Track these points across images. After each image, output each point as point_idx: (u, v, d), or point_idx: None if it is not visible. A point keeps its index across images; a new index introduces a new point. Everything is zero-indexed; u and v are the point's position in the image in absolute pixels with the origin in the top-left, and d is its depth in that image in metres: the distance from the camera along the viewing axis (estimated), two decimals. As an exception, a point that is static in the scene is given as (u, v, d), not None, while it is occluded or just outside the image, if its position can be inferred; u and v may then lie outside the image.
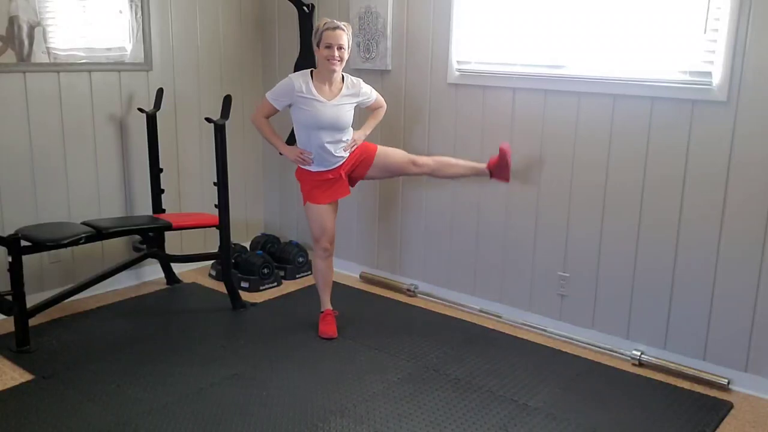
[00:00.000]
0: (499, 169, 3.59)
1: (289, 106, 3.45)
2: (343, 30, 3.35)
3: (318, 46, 3.38)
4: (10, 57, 3.63)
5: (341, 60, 3.36)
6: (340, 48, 3.33)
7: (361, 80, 3.56)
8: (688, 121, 3.17)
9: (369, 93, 3.60)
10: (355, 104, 3.53)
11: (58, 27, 3.80)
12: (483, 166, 3.65)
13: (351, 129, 3.53)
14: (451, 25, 3.86)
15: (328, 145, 3.42)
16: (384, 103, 3.69)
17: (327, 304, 3.72)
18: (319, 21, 3.43)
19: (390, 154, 3.65)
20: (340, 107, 3.42)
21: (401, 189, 4.27)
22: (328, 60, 3.33)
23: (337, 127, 3.42)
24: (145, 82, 4.24)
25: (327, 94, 3.41)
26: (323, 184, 3.51)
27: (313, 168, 3.49)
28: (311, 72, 3.45)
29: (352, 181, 3.65)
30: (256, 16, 4.82)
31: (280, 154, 3.65)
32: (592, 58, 3.42)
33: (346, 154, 3.52)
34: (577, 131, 3.52)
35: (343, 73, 3.48)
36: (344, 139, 3.48)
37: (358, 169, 3.61)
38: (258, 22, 4.84)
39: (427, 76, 4.03)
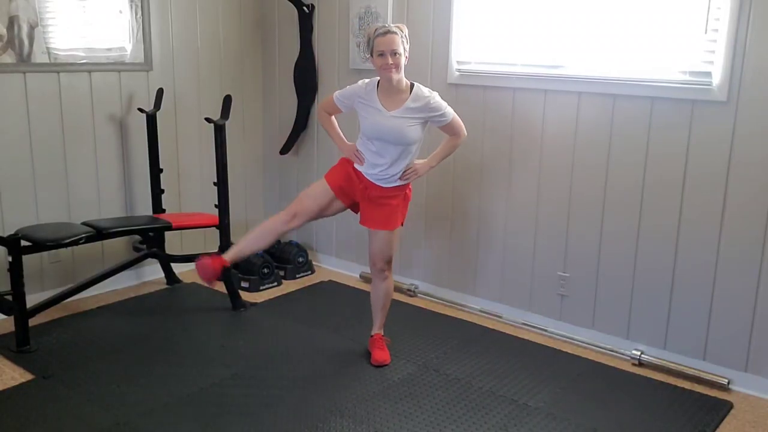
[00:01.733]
0: (371, 348, 3.41)
1: (353, 110, 3.20)
2: (395, 33, 2.98)
3: (372, 55, 3.04)
4: (10, 57, 3.63)
5: (397, 66, 2.98)
6: (394, 54, 2.95)
7: (435, 94, 3.08)
8: (688, 121, 3.17)
9: (442, 111, 3.08)
10: (421, 121, 3.06)
11: (58, 27, 3.80)
12: (375, 331, 3.45)
13: (415, 152, 3.14)
14: (451, 25, 3.86)
15: (375, 159, 3.09)
16: (463, 131, 3.19)
17: (230, 256, 3.24)
18: (370, 28, 3.09)
19: (388, 242, 3.22)
20: (400, 120, 3.01)
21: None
22: (383, 69, 2.98)
23: (393, 141, 3.04)
24: (145, 82, 4.24)
25: (389, 104, 3.04)
26: (354, 183, 3.19)
27: (360, 168, 3.17)
28: (378, 81, 3.10)
29: (355, 205, 3.29)
30: (256, 16, 4.82)
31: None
32: (592, 58, 3.43)
33: (392, 178, 3.12)
34: (577, 131, 3.52)
35: (415, 83, 3.08)
36: (402, 160, 3.09)
37: (372, 208, 3.19)
38: (258, 22, 4.84)
39: (427, 77, 4.03)
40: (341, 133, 3.30)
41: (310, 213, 3.21)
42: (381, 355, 3.35)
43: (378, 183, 3.14)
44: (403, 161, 3.09)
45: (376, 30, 3.02)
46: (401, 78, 3.03)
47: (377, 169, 3.11)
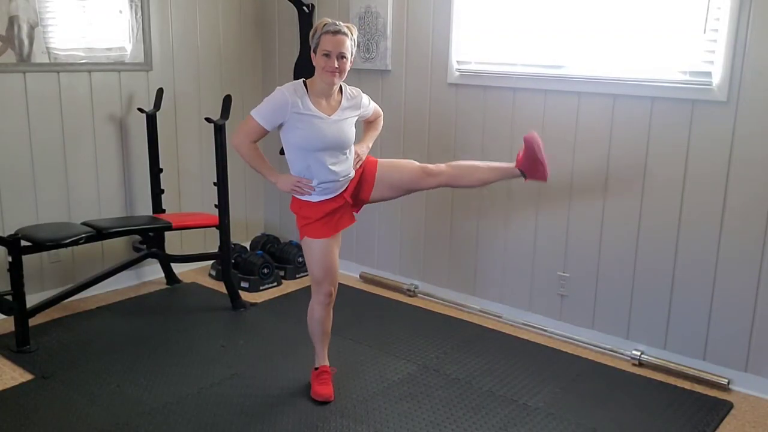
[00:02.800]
0: (531, 166, 2.95)
1: (280, 126, 2.81)
2: (346, 35, 2.71)
3: (314, 51, 2.74)
4: (10, 57, 3.63)
5: (341, 72, 2.72)
6: (341, 57, 2.69)
7: (359, 90, 2.96)
8: (688, 121, 3.17)
9: (368, 104, 2.99)
10: (357, 117, 2.92)
11: (58, 27, 3.80)
12: (512, 165, 3.01)
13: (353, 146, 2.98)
14: (451, 25, 3.86)
15: (332, 167, 2.79)
16: (381, 111, 3.11)
17: (324, 360, 3.10)
18: (319, 21, 2.78)
19: (396, 165, 3.01)
20: (342, 123, 2.80)
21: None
22: (325, 71, 2.70)
23: (340, 146, 2.80)
24: (145, 82, 4.24)
25: (326, 108, 2.78)
26: (326, 216, 2.87)
27: (314, 198, 2.84)
28: (304, 82, 2.80)
29: (357, 204, 3.02)
30: (256, 16, 4.82)
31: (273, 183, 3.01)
32: (592, 58, 3.42)
33: (352, 174, 2.91)
34: (577, 131, 3.52)
35: (342, 83, 2.87)
36: (347, 157, 2.88)
37: (360, 190, 2.97)
38: (258, 22, 4.84)
39: (427, 76, 4.03)
40: (271, 166, 2.92)
41: (337, 270, 2.97)
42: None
43: (342, 189, 2.88)
44: (346, 160, 2.86)
45: (325, 25, 2.70)
46: (339, 83, 2.79)
47: (334, 179, 2.81)
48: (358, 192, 2.97)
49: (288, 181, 2.83)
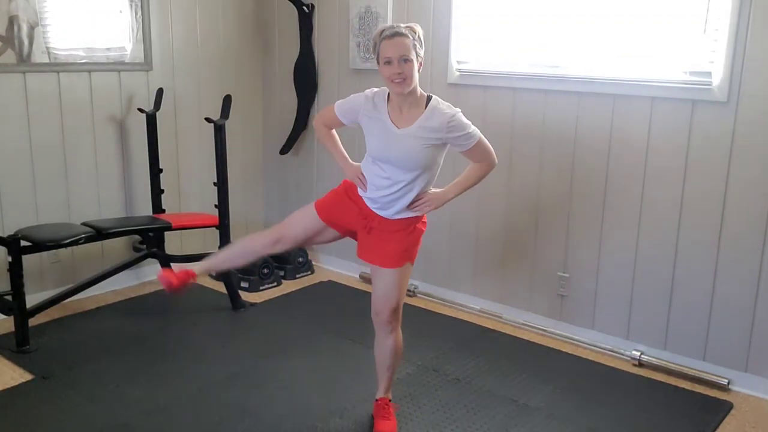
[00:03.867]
0: (374, 412, 2.85)
1: (356, 125, 2.66)
2: (405, 35, 2.42)
3: (378, 62, 2.47)
4: (10, 57, 3.63)
5: (408, 77, 2.40)
6: (404, 61, 2.39)
7: (458, 110, 2.49)
8: (688, 121, 3.17)
9: (466, 131, 2.48)
10: (436, 142, 2.47)
11: (57, 27, 3.80)
12: (382, 394, 2.86)
13: (430, 179, 2.59)
14: (451, 25, 3.86)
15: (384, 184, 2.53)
16: (493, 157, 2.60)
17: (199, 268, 2.83)
18: (376, 30, 2.50)
19: (395, 284, 2.63)
20: (411, 140, 2.45)
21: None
22: (390, 81, 2.42)
23: (403, 165, 2.48)
24: (145, 82, 4.24)
25: (400, 119, 2.49)
26: (351, 213, 2.66)
27: (364, 194, 2.63)
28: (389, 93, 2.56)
29: (351, 233, 2.74)
30: (256, 16, 4.82)
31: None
32: (592, 59, 3.42)
33: (409, 213, 2.57)
34: (578, 131, 3.52)
35: (434, 96, 2.53)
36: (412, 187, 2.53)
37: (377, 242, 2.62)
38: (258, 22, 4.84)
39: (427, 76, 4.02)
40: (344, 152, 2.76)
41: (296, 240, 2.76)
42: (386, 426, 2.77)
43: (381, 213, 2.59)
44: (414, 190, 2.54)
45: (382, 32, 2.46)
46: (415, 89, 2.47)
47: (382, 196, 2.56)
48: (375, 237, 2.61)
49: (353, 170, 2.68)
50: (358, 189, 2.65)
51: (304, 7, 4.47)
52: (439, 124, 2.45)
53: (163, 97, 4.21)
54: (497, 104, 3.78)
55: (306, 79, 4.61)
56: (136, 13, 4.12)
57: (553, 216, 3.68)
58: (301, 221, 2.75)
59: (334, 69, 4.50)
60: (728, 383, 3.19)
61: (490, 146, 2.58)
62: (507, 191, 3.82)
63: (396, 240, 2.59)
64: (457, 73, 3.91)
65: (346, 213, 2.67)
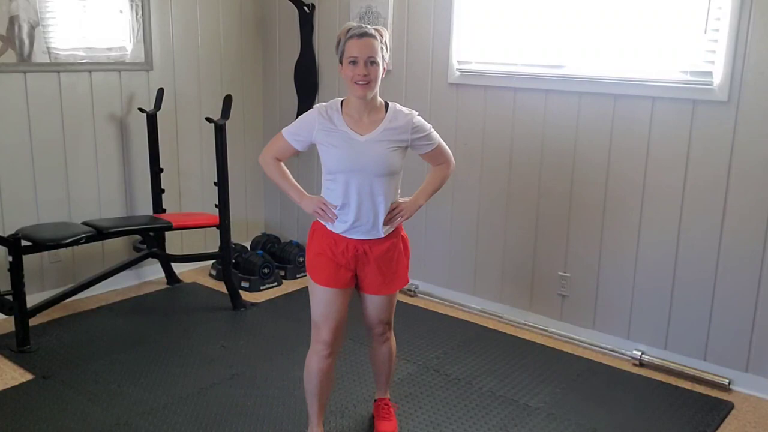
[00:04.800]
0: (375, 413, 2.81)
1: (312, 145, 2.46)
2: (375, 37, 2.31)
3: (341, 62, 2.35)
4: (10, 57, 3.63)
5: (371, 81, 2.31)
6: (370, 62, 2.29)
7: (415, 113, 2.45)
8: (689, 121, 3.17)
9: (427, 133, 2.46)
10: (401, 145, 2.41)
11: (58, 27, 3.80)
12: (382, 395, 2.82)
13: (398, 186, 2.48)
14: (452, 25, 3.86)
15: (365, 197, 2.39)
16: (451, 158, 2.60)
17: (318, 427, 2.60)
18: (342, 27, 2.38)
19: (392, 300, 2.58)
20: (379, 145, 2.36)
21: (401, 188, 4.26)
22: (354, 82, 2.31)
23: (375, 172, 2.37)
24: (145, 82, 4.24)
25: (360, 126, 2.38)
26: (339, 254, 2.44)
27: (333, 227, 2.44)
28: (342, 101, 2.44)
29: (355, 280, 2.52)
30: (256, 16, 4.82)
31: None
32: (592, 58, 3.42)
33: (387, 230, 2.45)
34: (578, 131, 3.52)
35: (389, 101, 2.46)
36: (386, 197, 2.41)
37: (371, 271, 2.47)
38: (258, 22, 4.84)
39: (427, 76, 4.03)
40: (298, 185, 2.52)
41: (343, 319, 2.51)
42: (387, 426, 2.73)
43: (364, 237, 2.43)
44: (388, 200, 2.42)
45: (349, 30, 2.33)
46: (376, 95, 2.38)
47: (356, 218, 2.40)
48: (367, 267, 2.46)
49: (313, 201, 2.46)
50: (328, 226, 2.44)
51: (305, 7, 4.47)
52: (404, 125, 2.40)
53: (164, 96, 4.21)
54: (498, 104, 3.77)
55: (306, 79, 4.61)
56: (136, 13, 4.12)
57: (554, 216, 3.67)
58: (332, 303, 2.45)
59: (335, 69, 4.49)
60: (729, 383, 3.18)
61: (448, 149, 2.58)
62: (507, 191, 3.82)
63: (391, 259, 2.48)
64: (458, 73, 3.90)
65: (338, 261, 2.44)
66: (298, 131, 2.45)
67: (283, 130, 2.50)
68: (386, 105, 2.45)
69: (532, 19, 3.58)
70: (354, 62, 2.30)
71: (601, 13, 3.35)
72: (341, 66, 2.36)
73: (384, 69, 2.37)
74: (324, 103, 2.44)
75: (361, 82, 2.31)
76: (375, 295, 2.52)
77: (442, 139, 2.51)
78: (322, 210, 2.43)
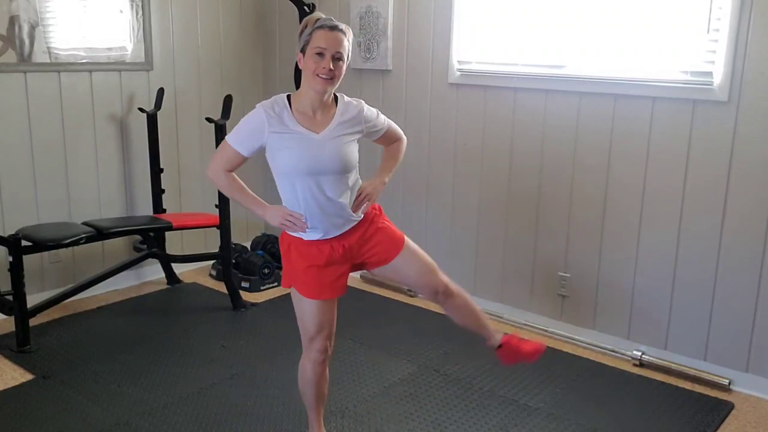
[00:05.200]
0: (512, 358, 2.62)
1: (261, 149, 2.31)
2: (344, 33, 2.22)
3: (303, 51, 2.22)
4: (10, 57, 3.63)
5: (335, 78, 2.21)
6: (337, 58, 2.19)
7: (362, 101, 2.39)
8: (689, 121, 3.17)
9: (376, 119, 2.40)
10: (357, 135, 2.34)
11: (58, 27, 3.80)
12: (497, 337, 2.59)
13: (357, 176, 2.38)
14: (452, 25, 3.86)
15: (325, 197, 2.27)
16: (401, 133, 2.52)
17: (318, 429, 2.61)
18: (308, 17, 2.26)
19: (417, 255, 2.44)
20: (335, 141, 2.26)
21: (401, 188, 4.27)
22: (317, 75, 2.18)
23: (333, 171, 2.26)
24: (145, 82, 4.24)
25: (313, 124, 2.25)
26: (318, 266, 2.32)
27: (307, 235, 2.32)
28: (288, 97, 2.29)
29: (355, 267, 2.45)
30: (256, 15, 4.82)
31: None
32: (592, 58, 3.42)
33: (359, 216, 2.37)
34: (578, 131, 3.52)
35: (336, 93, 2.34)
36: (347, 188, 2.32)
37: (366, 248, 2.39)
38: (259, 21, 4.84)
39: (427, 76, 4.02)
40: (256, 196, 2.40)
41: (334, 325, 2.45)
42: (532, 345, 2.60)
43: (341, 231, 2.33)
44: (352, 191, 2.33)
45: (318, 20, 2.21)
46: (331, 91, 2.27)
47: (329, 218, 2.29)
48: (363, 250, 2.38)
49: (278, 213, 2.31)
50: (301, 235, 2.31)
51: (305, 7, 4.46)
52: (356, 115, 2.32)
53: (164, 96, 4.21)
54: (498, 104, 3.77)
55: (307, 79, 4.60)
56: (136, 13, 4.12)
57: (554, 216, 3.67)
58: (321, 313, 2.37)
59: (335, 69, 4.49)
60: (729, 383, 3.18)
61: (396, 125, 2.50)
62: (507, 191, 3.82)
63: (377, 228, 2.40)
64: (458, 73, 3.90)
65: (320, 268, 2.33)
66: (244, 137, 2.27)
67: (226, 138, 2.31)
68: (336, 98, 2.34)
69: (532, 19, 3.58)
70: (321, 54, 2.17)
71: (601, 13, 3.35)
72: (301, 56, 2.23)
73: (345, 68, 2.25)
74: (266, 103, 2.26)
75: (324, 76, 2.18)
76: (394, 260, 2.38)
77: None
78: (290, 222, 2.28)
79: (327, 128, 2.26)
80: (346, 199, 2.31)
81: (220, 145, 2.35)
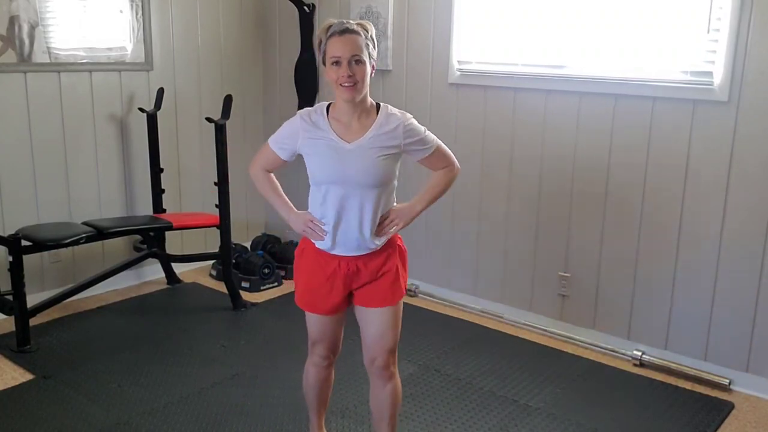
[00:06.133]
0: None
1: (299, 154, 2.28)
2: (358, 33, 2.11)
3: (324, 63, 2.15)
4: (10, 57, 3.63)
5: (358, 82, 2.10)
6: (355, 61, 2.08)
7: (408, 115, 2.22)
8: (689, 121, 3.17)
9: (420, 137, 2.21)
10: (393, 151, 2.17)
11: (58, 27, 3.80)
12: None
13: (392, 197, 2.28)
14: (452, 25, 3.86)
15: (353, 211, 2.18)
16: (456, 163, 2.34)
17: (320, 430, 2.58)
18: (321, 25, 2.17)
19: (391, 322, 2.32)
20: (366, 152, 2.14)
21: (402, 188, 4.26)
22: (339, 84, 2.10)
23: (363, 183, 2.16)
24: (145, 82, 4.24)
25: (347, 132, 2.17)
26: (328, 280, 2.26)
27: (322, 244, 2.25)
28: (329, 105, 2.24)
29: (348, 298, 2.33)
30: (256, 16, 4.82)
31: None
32: (593, 58, 3.42)
33: (380, 242, 2.24)
34: (578, 131, 3.52)
35: (381, 103, 2.23)
36: (376, 210, 2.20)
37: (366, 286, 2.28)
38: (258, 21, 4.84)
39: (428, 76, 4.02)
40: (287, 200, 2.37)
41: (339, 337, 2.45)
42: None
43: (357, 253, 2.23)
44: (377, 211, 2.21)
45: (329, 27, 2.12)
46: (365, 97, 2.16)
47: (348, 236, 2.20)
48: (363, 281, 2.26)
49: (301, 219, 2.27)
50: (316, 243, 2.25)
51: (305, 7, 4.47)
52: (395, 129, 2.16)
53: (164, 96, 4.21)
54: (498, 104, 3.77)
55: (307, 78, 4.61)
56: (136, 13, 4.12)
57: (554, 215, 3.67)
58: (326, 326, 2.37)
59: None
60: (729, 383, 3.18)
61: (449, 151, 2.32)
62: (508, 191, 3.82)
63: (389, 271, 2.27)
64: (458, 73, 3.90)
65: (329, 282, 2.26)
66: (282, 140, 2.28)
67: (269, 139, 2.33)
68: (378, 107, 2.21)
69: (533, 19, 3.58)
70: (337, 63, 2.09)
71: (601, 13, 3.35)
72: (324, 68, 2.15)
73: (372, 67, 2.16)
74: (306, 109, 2.25)
75: (346, 84, 2.09)
76: (372, 308, 2.28)
77: (442, 140, 2.35)
78: (310, 228, 2.24)
79: (360, 138, 2.16)
80: (369, 217, 2.19)
81: (262, 146, 2.37)
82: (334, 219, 2.19)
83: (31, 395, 2.98)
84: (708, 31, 3.06)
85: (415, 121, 2.23)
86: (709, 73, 3.07)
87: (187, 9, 4.39)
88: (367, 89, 2.15)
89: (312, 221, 2.24)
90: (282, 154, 2.29)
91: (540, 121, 3.63)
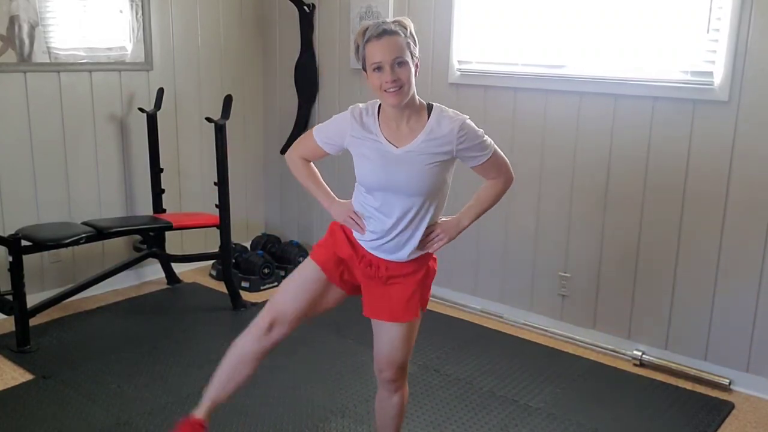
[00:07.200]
0: None
1: (345, 150, 2.17)
2: (397, 33, 2.00)
3: (364, 69, 2.04)
4: (10, 57, 3.63)
5: (403, 85, 1.99)
6: (398, 63, 1.98)
7: (463, 118, 2.05)
8: (690, 121, 3.17)
9: (478, 142, 2.05)
10: (445, 158, 2.04)
11: (58, 27, 3.80)
12: None
13: (438, 208, 2.14)
14: (452, 25, 3.86)
15: (389, 226, 2.08)
16: (510, 172, 2.18)
17: (204, 411, 2.27)
18: (358, 30, 2.04)
19: (406, 338, 2.25)
20: (415, 159, 2.01)
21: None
22: (383, 90, 1.98)
23: (410, 192, 2.04)
24: (145, 82, 4.24)
25: (397, 136, 2.04)
26: (351, 257, 2.18)
27: (362, 237, 2.15)
28: (380, 105, 2.10)
29: (354, 288, 2.27)
30: (256, 15, 4.82)
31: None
32: (593, 58, 3.42)
33: (416, 253, 2.13)
34: (579, 131, 3.52)
35: (434, 104, 2.11)
36: (422, 220, 2.09)
37: (376, 282, 2.18)
38: (258, 21, 4.84)
39: (428, 76, 4.02)
40: (328, 189, 2.27)
41: (295, 315, 2.18)
42: None
43: (386, 257, 2.12)
44: (424, 222, 2.09)
45: (365, 30, 1.99)
46: (413, 98, 2.04)
47: (386, 240, 2.09)
48: (376, 280, 2.16)
49: (344, 209, 2.17)
50: (354, 233, 2.16)
51: (305, 7, 4.47)
52: (448, 133, 2.01)
53: (164, 96, 4.21)
54: (498, 104, 3.77)
55: (307, 78, 4.61)
56: (136, 13, 4.12)
57: (554, 215, 3.67)
58: (292, 288, 2.22)
59: (335, 69, 4.49)
60: (729, 383, 3.18)
61: (506, 159, 2.14)
62: (508, 190, 3.81)
63: (407, 285, 2.14)
64: (458, 73, 3.90)
65: (347, 256, 2.18)
66: (329, 134, 2.15)
67: (314, 128, 2.19)
68: (429, 108, 2.08)
69: (533, 19, 3.58)
70: (379, 68, 1.96)
71: (601, 13, 3.35)
72: (365, 74, 2.03)
73: (417, 66, 2.04)
74: (361, 105, 2.11)
75: (391, 90, 1.96)
76: (385, 321, 2.17)
77: None
78: (353, 220, 2.14)
79: (410, 143, 2.02)
80: (414, 228, 2.08)
81: (306, 132, 2.25)
82: (379, 224, 2.09)
83: (31, 395, 2.98)
84: (708, 31, 3.06)
85: (471, 124, 2.04)
86: (709, 73, 3.07)
87: (187, 9, 4.39)
88: (413, 90, 2.03)
89: (355, 214, 2.14)
90: (326, 148, 2.17)
91: (540, 121, 3.63)
